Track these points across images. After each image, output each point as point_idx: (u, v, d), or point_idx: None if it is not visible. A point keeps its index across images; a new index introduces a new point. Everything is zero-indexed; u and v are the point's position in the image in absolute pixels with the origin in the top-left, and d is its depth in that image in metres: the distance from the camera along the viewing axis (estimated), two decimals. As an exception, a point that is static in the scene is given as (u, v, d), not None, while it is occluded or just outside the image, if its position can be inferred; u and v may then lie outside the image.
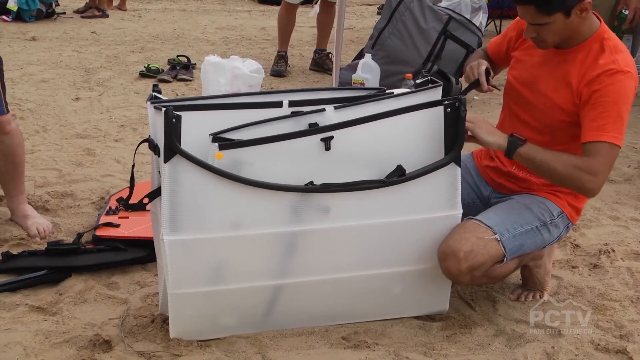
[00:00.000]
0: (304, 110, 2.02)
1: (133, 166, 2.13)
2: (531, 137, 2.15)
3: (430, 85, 2.14)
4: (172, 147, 1.90)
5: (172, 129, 1.90)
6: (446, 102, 2.05)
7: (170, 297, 2.03)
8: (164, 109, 1.88)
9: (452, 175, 2.10)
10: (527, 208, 2.23)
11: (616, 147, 2.07)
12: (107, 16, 7.35)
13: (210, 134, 1.94)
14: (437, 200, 2.11)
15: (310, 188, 2.00)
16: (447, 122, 2.06)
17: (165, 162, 1.91)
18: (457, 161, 2.10)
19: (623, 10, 4.04)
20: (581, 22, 2.11)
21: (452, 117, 2.05)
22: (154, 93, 2.06)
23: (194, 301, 2.05)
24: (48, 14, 7.24)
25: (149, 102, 1.99)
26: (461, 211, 2.14)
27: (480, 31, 4.76)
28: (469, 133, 2.11)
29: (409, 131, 2.06)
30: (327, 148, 1.99)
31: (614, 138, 2.06)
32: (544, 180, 2.26)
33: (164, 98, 2.06)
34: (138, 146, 2.09)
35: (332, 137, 1.99)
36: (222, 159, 1.92)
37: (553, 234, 2.26)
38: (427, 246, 2.15)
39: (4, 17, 7.00)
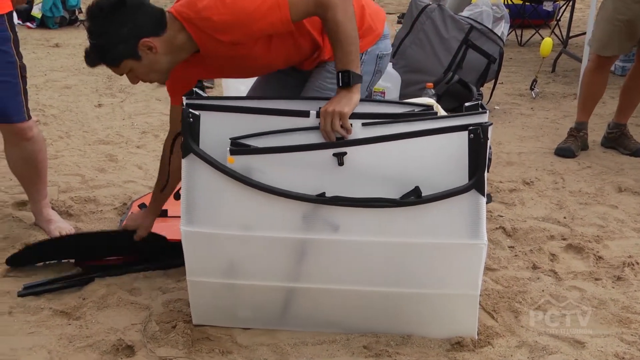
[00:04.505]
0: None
1: (170, 156, 2.22)
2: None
3: (480, 110, 2.06)
4: (186, 146, 1.97)
5: (188, 127, 1.97)
6: (470, 128, 1.96)
7: (189, 283, 2.13)
8: (183, 108, 1.98)
9: (474, 203, 1.98)
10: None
11: None
12: None
13: (230, 138, 2.00)
14: (456, 227, 2.00)
15: (319, 199, 1.97)
16: (471, 148, 1.97)
17: (183, 157, 1.98)
18: (480, 188, 1.97)
19: None
20: (159, 56, 2.10)
21: (475, 143, 1.96)
22: (195, 89, 2.17)
23: (211, 290, 2.13)
24: (71, 20, 7.33)
25: (184, 97, 2.09)
26: (486, 241, 2.01)
27: (502, 40, 4.75)
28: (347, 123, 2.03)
29: (433, 153, 1.99)
30: (340, 163, 1.97)
31: None
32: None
33: (204, 95, 2.18)
34: (175, 138, 2.14)
35: (345, 153, 1.97)
36: (236, 163, 1.97)
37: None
38: (448, 272, 2.07)
39: (28, 24, 7.10)
